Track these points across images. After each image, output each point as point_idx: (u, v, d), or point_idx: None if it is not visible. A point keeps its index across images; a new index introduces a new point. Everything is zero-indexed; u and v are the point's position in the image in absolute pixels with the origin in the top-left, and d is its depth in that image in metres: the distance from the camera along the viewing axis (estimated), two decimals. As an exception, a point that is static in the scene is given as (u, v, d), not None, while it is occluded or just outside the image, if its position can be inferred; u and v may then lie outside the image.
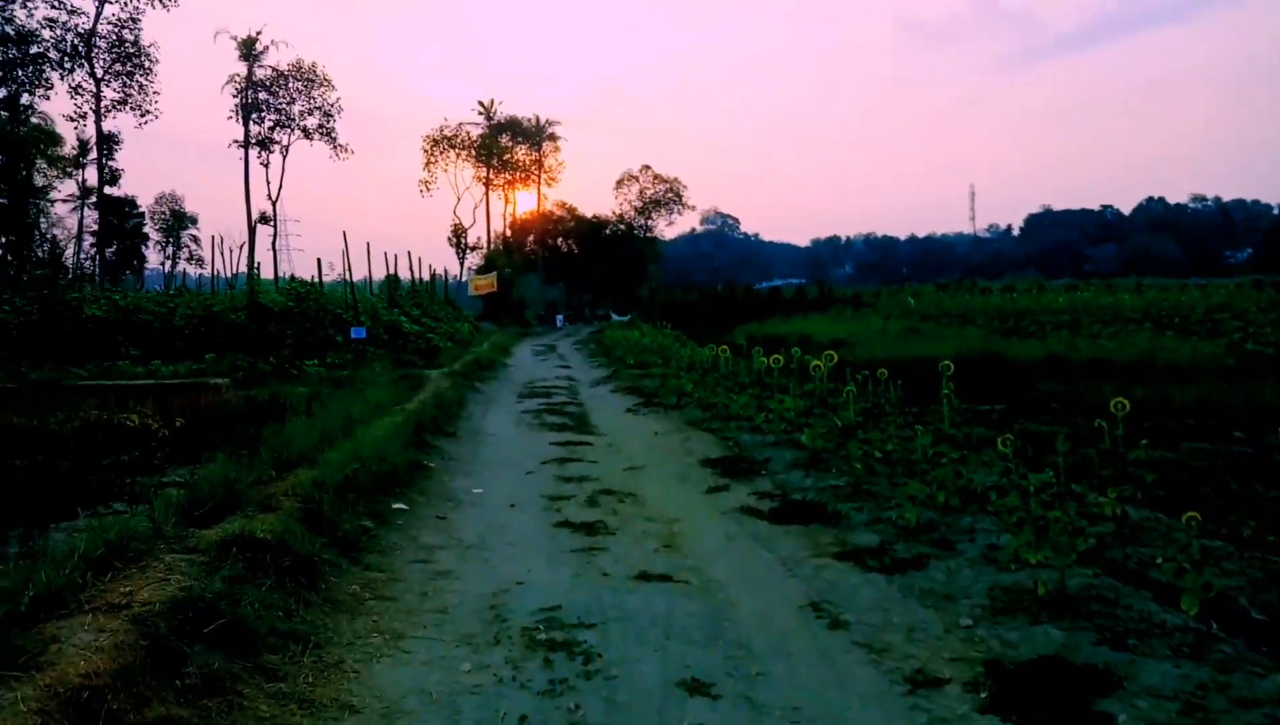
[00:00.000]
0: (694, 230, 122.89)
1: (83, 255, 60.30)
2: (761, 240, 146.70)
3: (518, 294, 58.69)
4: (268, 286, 24.38)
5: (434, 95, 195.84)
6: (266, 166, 47.81)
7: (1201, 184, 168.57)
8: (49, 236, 66.00)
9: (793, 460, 8.28)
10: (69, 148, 54.09)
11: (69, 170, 57.91)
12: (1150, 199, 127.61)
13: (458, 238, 56.46)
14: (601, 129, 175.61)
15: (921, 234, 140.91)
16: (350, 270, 20.76)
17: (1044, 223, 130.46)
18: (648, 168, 69.95)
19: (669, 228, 74.03)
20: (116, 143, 47.28)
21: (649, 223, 72.41)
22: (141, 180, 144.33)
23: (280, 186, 47.92)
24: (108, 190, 62.23)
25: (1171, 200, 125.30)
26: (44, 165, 56.81)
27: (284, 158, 48.02)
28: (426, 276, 36.50)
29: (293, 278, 27.00)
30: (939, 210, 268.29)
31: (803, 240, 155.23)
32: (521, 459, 8.87)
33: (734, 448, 9.31)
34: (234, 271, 53.84)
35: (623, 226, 70.16)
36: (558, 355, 27.78)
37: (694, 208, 74.08)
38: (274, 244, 47.03)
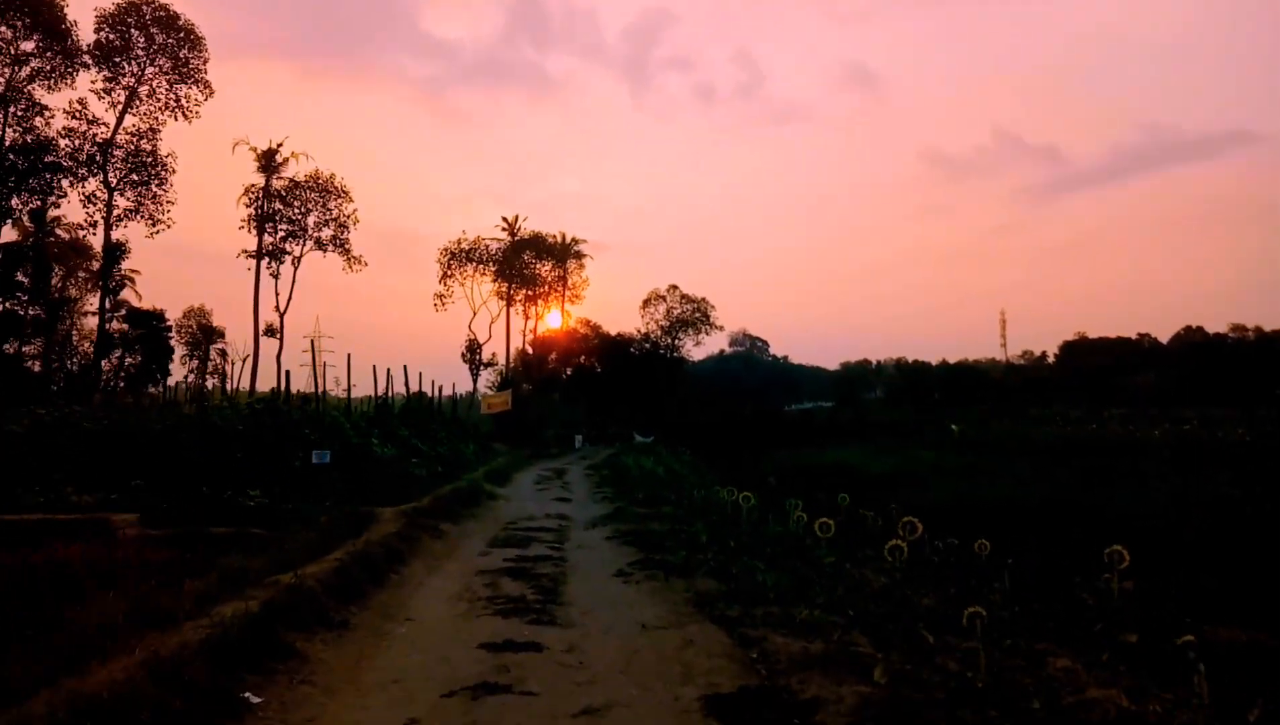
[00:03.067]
0: (722, 351, 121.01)
1: (104, 368, 59.03)
2: (791, 363, 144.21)
3: (535, 413, 55.89)
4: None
5: (461, 216, 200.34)
6: (276, 278, 46.22)
7: (1241, 314, 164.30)
8: (78, 349, 65.25)
9: (859, 707, 4.94)
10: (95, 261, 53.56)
11: (100, 283, 57.34)
12: (1188, 328, 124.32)
13: (472, 353, 54.12)
14: (630, 252, 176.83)
15: (953, 359, 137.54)
16: (318, 381, 17.99)
17: (1080, 350, 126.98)
18: (675, 287, 68.19)
19: (696, 348, 71.65)
20: (123, 251, 46.10)
21: (676, 343, 70.07)
22: (165, 293, 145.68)
23: (290, 299, 46.24)
24: (134, 304, 61.51)
25: (1210, 329, 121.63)
26: (77, 278, 56.33)
27: (295, 269, 46.52)
28: (430, 392, 33.92)
29: (321, 394, 24.46)
30: (970, 336, 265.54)
31: (832, 364, 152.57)
32: (423, 686, 5.60)
33: (759, 665, 5.98)
34: (235, 387, 51.80)
35: (648, 345, 67.88)
36: (562, 483, 24.55)
37: (722, 328, 71.82)
38: (279, 356, 44.83)
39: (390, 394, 27.05)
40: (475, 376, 54.35)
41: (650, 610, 7.91)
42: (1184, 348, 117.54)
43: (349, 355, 22.38)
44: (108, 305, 62.27)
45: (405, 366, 28.37)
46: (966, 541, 7.51)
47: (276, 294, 46.20)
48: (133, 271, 57.75)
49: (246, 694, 5.02)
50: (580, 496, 20.73)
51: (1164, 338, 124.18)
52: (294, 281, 46.42)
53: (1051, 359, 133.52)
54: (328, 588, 7.44)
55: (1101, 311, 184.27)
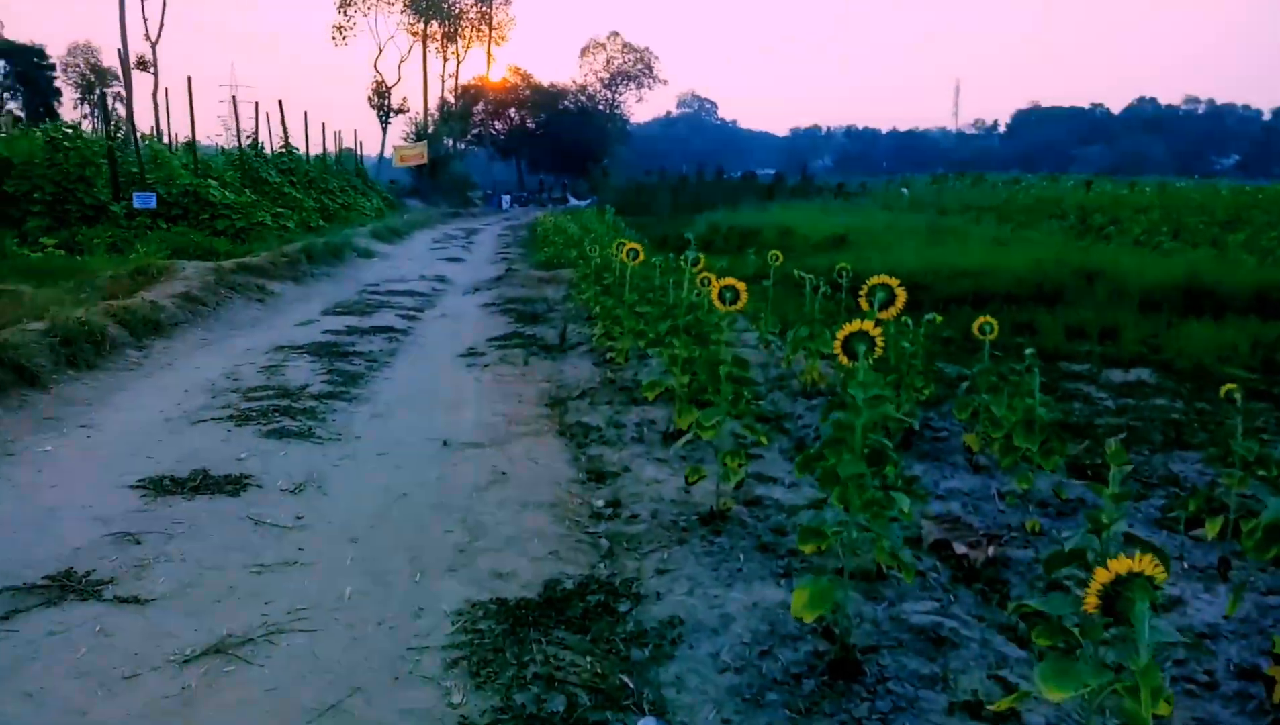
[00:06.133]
0: (669, 113, 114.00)
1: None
2: (739, 127, 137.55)
3: (459, 170, 51.25)
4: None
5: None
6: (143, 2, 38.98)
7: (1195, 85, 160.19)
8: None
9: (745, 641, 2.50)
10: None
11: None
12: (1141, 99, 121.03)
13: (380, 98, 47.91)
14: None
15: (904, 128, 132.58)
16: (132, 120, 14.19)
17: (1031, 120, 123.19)
18: (616, 34, 61.45)
19: (639, 105, 66.22)
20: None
21: (616, 97, 64.32)
22: (46, 33, 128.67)
23: (161, 26, 39.33)
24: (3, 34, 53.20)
25: (1163, 101, 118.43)
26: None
27: (168, -11, 39.15)
28: (332, 144, 29.62)
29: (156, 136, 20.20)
30: (922, 104, 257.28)
31: (782, 129, 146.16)
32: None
33: (601, 527, 3.50)
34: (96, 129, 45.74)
35: (584, 98, 62.25)
36: (466, 243, 21.58)
37: (666, 82, 65.90)
38: (155, 95, 38.71)
39: (264, 139, 22.93)
40: (385, 125, 48.55)
41: (477, 412, 5.34)
42: (1134, 120, 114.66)
43: (189, 78, 18.03)
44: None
45: (280, 101, 23.96)
46: (952, 320, 4.99)
47: (144, 20, 39.22)
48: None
49: None
50: (479, 258, 17.88)
51: (1116, 109, 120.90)
52: (164, 8, 39.34)
53: (1003, 129, 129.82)
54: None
55: (1060, 80, 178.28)
